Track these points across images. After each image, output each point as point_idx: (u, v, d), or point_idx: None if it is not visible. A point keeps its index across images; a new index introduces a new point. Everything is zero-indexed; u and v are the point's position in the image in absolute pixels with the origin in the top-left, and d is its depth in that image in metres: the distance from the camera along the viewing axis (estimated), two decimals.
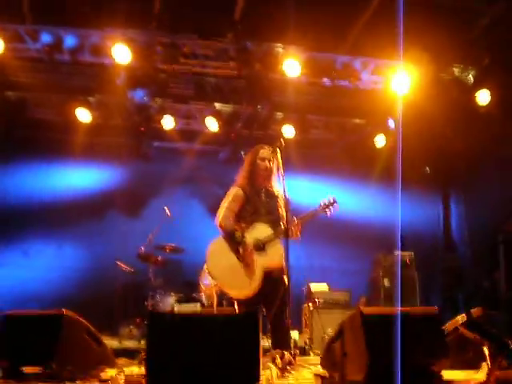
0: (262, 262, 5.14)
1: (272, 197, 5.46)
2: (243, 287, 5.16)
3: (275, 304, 4.79)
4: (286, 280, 5.08)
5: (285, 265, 5.11)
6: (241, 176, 5.60)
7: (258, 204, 5.41)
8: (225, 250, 5.27)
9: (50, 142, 9.83)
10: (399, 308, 3.71)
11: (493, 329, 3.99)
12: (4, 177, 9.84)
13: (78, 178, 10.27)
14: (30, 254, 9.91)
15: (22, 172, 10.00)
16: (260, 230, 5.24)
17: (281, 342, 4.82)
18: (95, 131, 9.70)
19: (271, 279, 5.08)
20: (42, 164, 10.06)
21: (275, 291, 4.90)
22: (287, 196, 5.39)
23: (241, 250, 5.21)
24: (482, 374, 3.64)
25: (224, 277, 5.30)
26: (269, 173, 5.48)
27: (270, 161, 5.45)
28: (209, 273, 5.46)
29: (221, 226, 5.38)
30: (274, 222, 5.26)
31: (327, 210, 5.26)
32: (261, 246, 5.18)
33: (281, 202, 5.36)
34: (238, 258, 5.20)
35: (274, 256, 5.11)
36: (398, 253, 9.19)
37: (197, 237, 8.88)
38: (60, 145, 9.75)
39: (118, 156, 10.03)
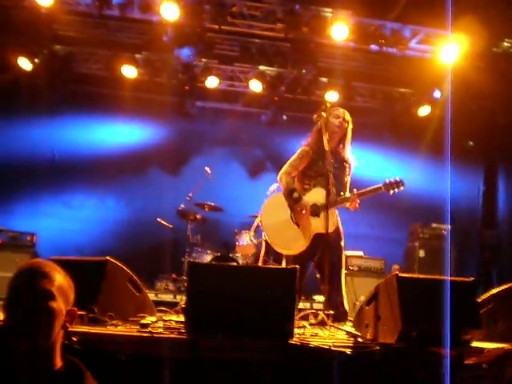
0: (314, 226, 5.15)
1: (341, 161, 5.38)
2: (291, 246, 5.22)
3: (325, 266, 4.80)
4: (342, 244, 5.15)
5: (342, 230, 5.16)
6: (312, 135, 5.52)
7: (325, 166, 5.22)
8: (281, 205, 5.30)
9: (96, 96, 9.99)
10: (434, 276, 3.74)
11: None
12: (50, 129, 10.00)
13: (121, 134, 10.45)
14: (73, 205, 10.14)
15: (67, 125, 10.14)
16: (320, 195, 5.13)
17: (329, 304, 4.80)
18: (140, 88, 9.78)
19: (322, 242, 5.00)
20: (87, 118, 10.19)
21: (326, 254, 4.88)
22: (353, 162, 5.44)
23: (297, 209, 5.22)
24: None
25: (274, 231, 5.34)
26: (341, 132, 5.40)
27: (342, 121, 5.39)
28: (261, 224, 5.50)
29: (280, 180, 5.42)
30: (337, 188, 5.23)
31: (391, 189, 5.25)
32: (316, 211, 5.19)
33: (347, 169, 5.36)
34: (291, 216, 5.25)
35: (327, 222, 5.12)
36: (448, 227, 9.15)
37: (235, 198, 9.02)
38: (105, 100, 9.90)
39: (162, 113, 10.08)
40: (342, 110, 5.53)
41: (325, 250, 4.85)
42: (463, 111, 9.58)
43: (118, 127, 10.41)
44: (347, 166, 5.39)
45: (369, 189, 5.27)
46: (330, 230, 4.88)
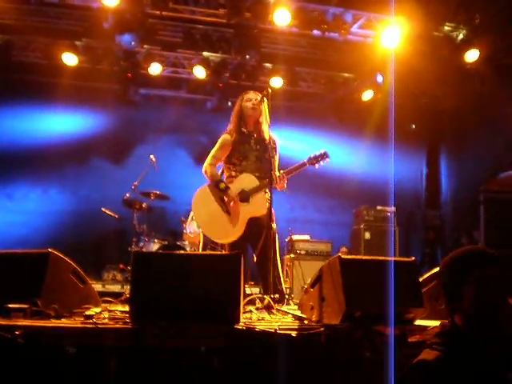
0: (245, 212, 5.24)
1: (262, 143, 5.41)
2: (226, 234, 5.31)
3: (261, 250, 4.87)
4: (274, 226, 5.16)
5: (273, 212, 5.21)
6: (230, 122, 5.63)
7: (248, 150, 5.44)
8: (210, 197, 5.37)
9: (36, 85, 9.74)
10: (377, 257, 3.81)
11: None
12: None
13: (63, 123, 10.21)
14: (15, 197, 9.92)
15: (7, 116, 9.91)
16: (246, 181, 5.30)
17: (266, 286, 4.89)
18: (82, 76, 9.59)
19: (256, 226, 5.16)
20: (27, 108, 9.95)
21: (260, 237, 4.96)
22: (276, 140, 5.47)
23: (225, 199, 5.30)
24: None
25: (207, 223, 5.45)
26: (256, 114, 5.44)
27: (255, 103, 5.42)
28: (194, 218, 5.55)
29: (205, 173, 5.47)
30: (262, 170, 5.28)
31: (316, 163, 5.30)
32: (246, 197, 5.25)
33: (271, 149, 5.38)
34: (221, 206, 5.29)
35: (257, 206, 5.19)
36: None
37: (181, 186, 8.94)
38: (46, 89, 9.67)
39: (105, 101, 9.93)
40: (253, 92, 5.59)
41: (258, 233, 4.96)
42: (406, 95, 9.75)
43: (59, 116, 10.17)
44: (270, 146, 5.38)
45: (294, 166, 5.33)
46: (261, 212, 4.99)
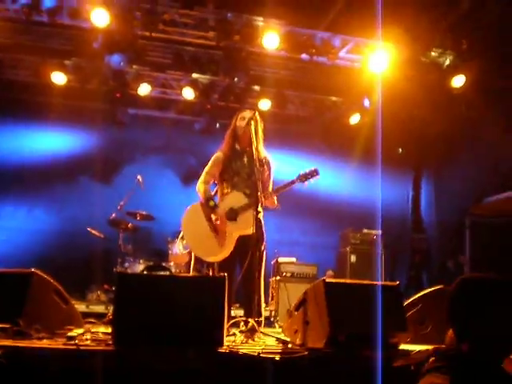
0: (233, 230, 5.23)
1: (256, 161, 5.22)
2: (214, 253, 5.29)
3: (246, 270, 4.84)
4: (262, 247, 5.16)
5: (263, 232, 5.20)
6: (224, 140, 5.65)
7: (239, 167, 5.45)
8: (199, 215, 5.36)
9: (25, 104, 9.71)
10: (362, 281, 3.81)
11: None
12: None
13: (51, 142, 10.18)
14: (1, 216, 9.84)
15: None
16: (235, 199, 5.30)
17: (249, 308, 4.86)
18: (70, 95, 9.58)
19: (244, 245, 5.08)
20: (15, 126, 9.92)
21: (246, 257, 4.90)
22: (270, 161, 5.49)
23: (213, 218, 5.30)
24: None
25: (196, 242, 5.46)
26: (249, 132, 5.29)
27: (249, 121, 5.32)
28: (183, 236, 5.52)
29: (198, 191, 5.50)
30: (253, 187, 5.15)
31: (305, 180, 5.25)
32: (233, 216, 5.24)
33: (264, 166, 5.38)
34: (209, 225, 5.28)
35: (245, 224, 5.11)
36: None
37: (168, 206, 8.94)
38: (34, 107, 9.65)
39: (93, 121, 9.92)
40: (249, 111, 5.59)
41: (245, 252, 4.91)
42: (393, 119, 9.81)
43: (47, 135, 10.15)
44: (264, 165, 5.40)
45: (283, 184, 5.30)
46: (249, 231, 4.91)
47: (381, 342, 3.42)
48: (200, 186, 5.50)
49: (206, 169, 5.58)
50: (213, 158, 5.59)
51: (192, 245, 5.62)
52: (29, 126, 10.03)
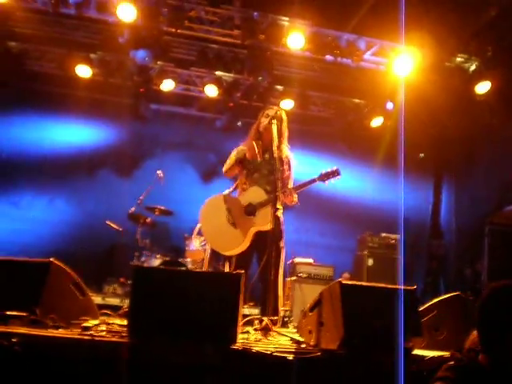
0: (251, 225, 5.22)
1: (277, 159, 5.22)
2: (231, 247, 5.30)
3: (263, 267, 4.83)
4: (281, 244, 5.15)
5: (282, 230, 5.19)
6: (249, 135, 5.69)
7: (261, 163, 5.46)
8: (217, 209, 5.36)
9: (49, 95, 9.81)
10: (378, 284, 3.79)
11: None
12: None
13: (73, 134, 10.28)
14: (21, 205, 9.93)
15: (17, 124, 9.97)
16: (255, 194, 5.29)
17: (264, 306, 4.86)
18: (94, 88, 9.68)
19: (261, 241, 5.07)
20: (39, 117, 10.02)
21: (264, 253, 4.86)
22: (292, 159, 5.50)
23: (232, 211, 5.30)
24: None
25: (214, 235, 5.46)
26: (269, 130, 5.31)
27: (272, 118, 5.35)
28: (200, 229, 5.53)
29: (225, 173, 5.58)
30: (275, 185, 5.12)
31: (326, 179, 5.25)
32: (252, 211, 5.25)
33: (285, 165, 5.39)
34: (227, 218, 5.29)
35: (263, 220, 5.12)
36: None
37: (187, 202, 8.98)
38: (57, 99, 9.74)
39: (116, 115, 9.99)
40: (274, 108, 5.62)
41: (263, 248, 4.91)
42: (415, 124, 9.75)
43: (69, 127, 10.24)
44: (285, 162, 5.42)
45: (303, 182, 5.32)
46: (266, 227, 4.94)
47: (397, 346, 3.39)
48: (226, 167, 5.59)
49: (231, 155, 5.61)
50: (237, 148, 5.60)
51: (208, 237, 5.65)
52: (51, 118, 10.14)
